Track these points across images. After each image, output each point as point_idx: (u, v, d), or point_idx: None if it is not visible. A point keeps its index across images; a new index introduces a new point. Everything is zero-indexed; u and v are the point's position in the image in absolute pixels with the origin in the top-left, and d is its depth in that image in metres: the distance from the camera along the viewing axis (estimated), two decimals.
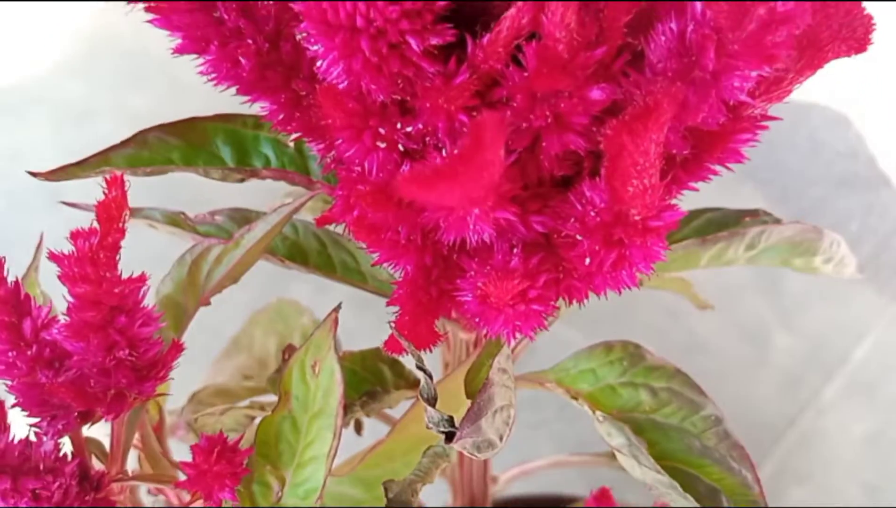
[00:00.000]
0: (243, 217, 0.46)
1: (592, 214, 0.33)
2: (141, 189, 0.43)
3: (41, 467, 0.34)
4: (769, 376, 1.13)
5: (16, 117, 1.30)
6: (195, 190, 0.66)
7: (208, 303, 0.44)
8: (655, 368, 0.46)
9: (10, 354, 0.35)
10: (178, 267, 0.42)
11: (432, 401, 0.34)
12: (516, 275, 0.34)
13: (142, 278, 0.34)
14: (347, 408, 0.45)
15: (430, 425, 0.34)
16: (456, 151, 0.26)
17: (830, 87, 1.27)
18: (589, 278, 0.36)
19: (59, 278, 0.33)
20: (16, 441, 0.34)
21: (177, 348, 0.38)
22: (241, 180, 0.42)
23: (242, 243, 0.42)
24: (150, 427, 0.48)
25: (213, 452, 0.38)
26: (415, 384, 0.50)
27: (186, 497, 0.46)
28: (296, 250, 0.47)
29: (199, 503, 0.43)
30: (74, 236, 0.32)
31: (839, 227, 1.22)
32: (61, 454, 0.37)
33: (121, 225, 0.32)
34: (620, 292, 0.37)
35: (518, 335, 0.37)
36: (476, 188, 0.28)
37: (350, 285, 0.47)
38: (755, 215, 0.48)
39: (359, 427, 0.62)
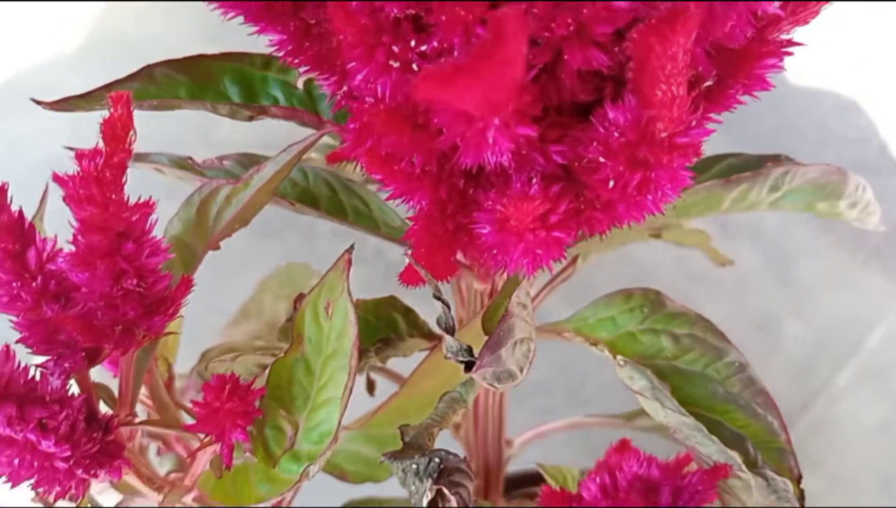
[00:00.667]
0: (252, 162, 0.45)
1: (616, 134, 0.32)
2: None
3: (47, 398, 0.33)
4: (780, 364, 1.11)
5: (18, 110, 1.29)
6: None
7: (217, 247, 0.43)
8: (677, 315, 0.45)
9: (14, 285, 0.34)
10: (186, 208, 0.41)
11: (450, 330, 0.33)
12: (537, 198, 0.32)
13: (148, 204, 0.33)
14: (362, 354, 0.43)
15: (449, 354, 0.33)
16: (476, 46, 0.25)
17: (841, 73, 1.26)
18: (611, 208, 0.35)
19: (64, 200, 0.32)
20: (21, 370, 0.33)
21: (186, 283, 0.37)
22: (250, 118, 0.41)
23: (252, 184, 0.41)
24: (160, 381, 0.47)
25: (224, 389, 0.37)
26: (429, 334, 0.49)
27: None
28: (306, 197, 0.45)
29: (210, 450, 0.42)
30: (79, 156, 0.31)
31: None
32: (69, 393, 0.36)
33: (127, 145, 0.31)
34: (643, 220, 0.36)
35: (537, 268, 0.36)
36: (497, 89, 0.27)
37: (362, 232, 0.46)
38: (777, 161, 0.47)
39: (371, 387, 0.61)
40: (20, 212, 0.34)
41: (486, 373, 0.33)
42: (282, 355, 0.41)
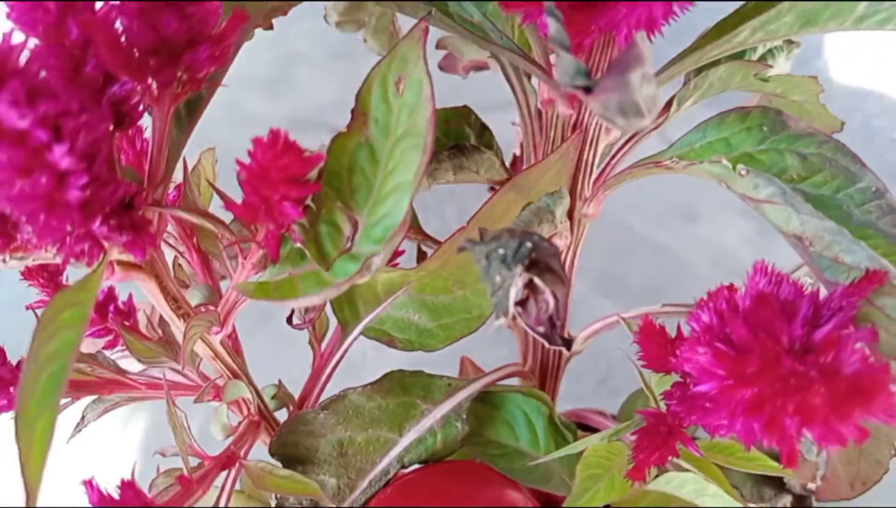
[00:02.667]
0: None
1: None
2: None
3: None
4: None
5: None
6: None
7: (270, 26, 0.37)
8: (802, 135, 0.38)
9: None
10: None
11: (564, 46, 0.27)
12: None
13: None
14: (433, 158, 0.37)
15: (564, 77, 0.27)
16: None
17: (885, 73, 1.21)
18: None
19: None
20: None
21: (239, 20, 0.31)
22: None
23: None
24: (193, 186, 0.41)
25: (277, 144, 0.30)
26: (503, 164, 0.42)
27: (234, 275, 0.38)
28: None
29: (251, 258, 0.36)
30: None
31: None
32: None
33: None
34: None
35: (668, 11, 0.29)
36: None
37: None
38: None
39: (422, 259, 0.55)
40: None
41: (610, 101, 0.26)
42: (343, 129, 0.34)
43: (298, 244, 0.34)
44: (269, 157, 0.30)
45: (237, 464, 0.41)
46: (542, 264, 0.31)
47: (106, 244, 0.31)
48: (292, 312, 0.49)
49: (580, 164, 0.45)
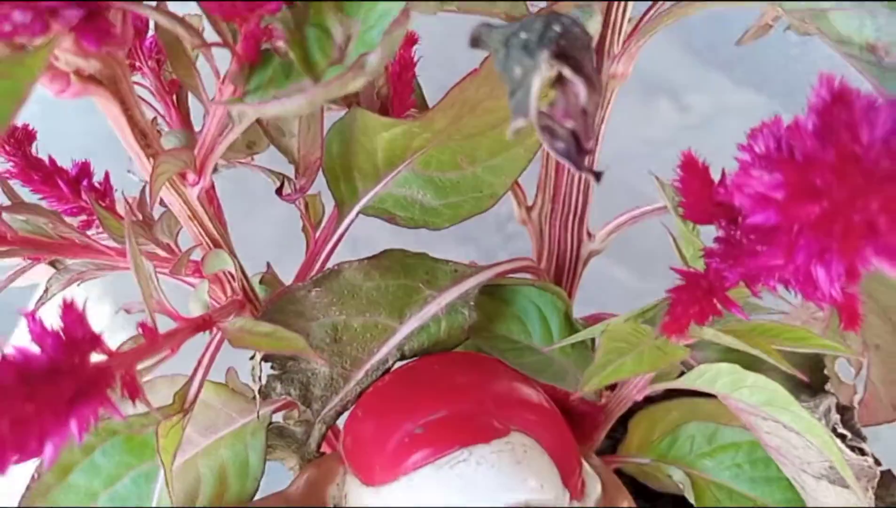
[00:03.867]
0: None
1: None
2: None
3: None
4: None
5: None
6: None
7: None
8: None
9: None
10: None
11: None
12: None
13: None
14: None
15: None
16: None
17: None
18: None
19: None
20: None
21: None
22: None
23: None
24: None
25: None
26: None
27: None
28: None
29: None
30: None
31: None
32: None
33: None
34: None
35: None
36: None
37: None
38: None
39: None
40: None
41: None
42: None
43: (282, 45, 0.29)
44: None
45: (216, 330, 0.36)
46: (572, 59, 0.26)
47: (54, 26, 0.26)
48: (282, 183, 0.44)
49: (608, 17, 0.40)
